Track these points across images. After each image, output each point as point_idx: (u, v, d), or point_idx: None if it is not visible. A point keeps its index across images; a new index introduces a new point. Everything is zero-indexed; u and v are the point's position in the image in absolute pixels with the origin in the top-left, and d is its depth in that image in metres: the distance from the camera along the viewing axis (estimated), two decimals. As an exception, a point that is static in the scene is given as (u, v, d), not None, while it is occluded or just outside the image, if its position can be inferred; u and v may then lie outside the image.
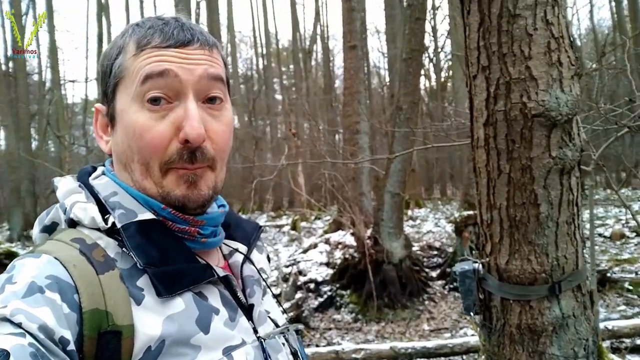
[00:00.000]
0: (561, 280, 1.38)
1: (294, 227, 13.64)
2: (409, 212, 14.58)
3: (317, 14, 23.01)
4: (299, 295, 6.62)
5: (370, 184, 8.62)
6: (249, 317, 0.68)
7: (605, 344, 4.06)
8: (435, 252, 9.04)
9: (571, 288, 1.40)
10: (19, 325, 0.49)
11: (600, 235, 9.40)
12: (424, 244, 9.60)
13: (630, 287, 6.09)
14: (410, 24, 6.51)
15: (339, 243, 8.21)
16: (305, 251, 8.80)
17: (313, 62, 25.54)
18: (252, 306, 0.69)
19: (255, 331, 0.67)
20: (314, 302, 6.71)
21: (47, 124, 18.61)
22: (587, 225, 2.99)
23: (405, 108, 6.47)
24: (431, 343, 4.49)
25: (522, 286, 1.40)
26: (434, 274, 7.76)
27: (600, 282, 5.97)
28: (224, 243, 0.76)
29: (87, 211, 0.63)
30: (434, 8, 20.11)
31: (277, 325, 0.74)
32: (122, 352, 0.54)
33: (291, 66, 27.97)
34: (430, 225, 12.48)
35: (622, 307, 5.57)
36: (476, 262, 1.54)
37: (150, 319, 0.57)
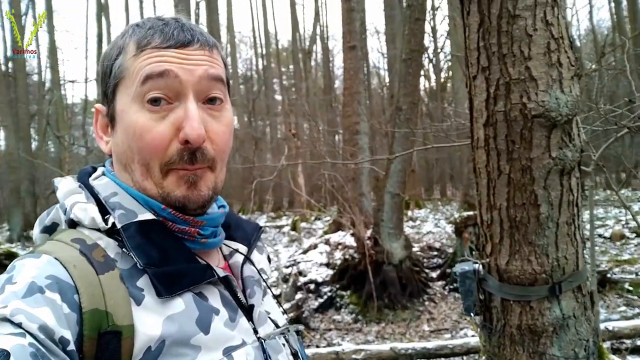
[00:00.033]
0: (561, 280, 1.38)
1: (294, 227, 13.64)
2: (409, 213, 14.58)
3: (317, 14, 23.03)
4: (299, 295, 6.61)
5: (370, 184, 8.62)
6: (249, 318, 0.68)
7: (606, 344, 4.05)
8: (435, 253, 9.04)
9: (571, 289, 1.40)
10: (19, 326, 0.49)
11: (600, 236, 9.40)
12: (424, 244, 9.60)
13: (631, 288, 6.09)
14: (410, 24, 6.51)
15: (339, 244, 8.20)
16: (305, 252, 8.80)
17: (313, 63, 25.56)
18: (252, 307, 0.69)
19: (256, 332, 0.67)
20: (314, 303, 6.71)
21: (46, 124, 18.62)
22: (587, 226, 2.99)
23: (405, 108, 6.47)
24: (431, 344, 4.49)
25: (522, 287, 1.40)
26: (434, 274, 7.75)
27: (601, 283, 5.97)
28: (224, 244, 0.76)
29: (87, 211, 0.63)
30: (434, 9, 20.14)
31: (277, 326, 0.74)
32: (122, 353, 0.54)
33: (291, 66, 27.99)
34: (430, 226, 12.49)
35: (623, 308, 5.57)
36: (476, 262, 1.54)
37: (150, 319, 0.57)
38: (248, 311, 0.69)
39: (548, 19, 1.30)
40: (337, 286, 6.94)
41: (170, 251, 0.63)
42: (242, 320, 0.66)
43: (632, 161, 11.06)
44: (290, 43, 24.67)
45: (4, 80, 15.92)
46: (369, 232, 6.88)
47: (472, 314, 1.52)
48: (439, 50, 21.94)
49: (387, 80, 20.30)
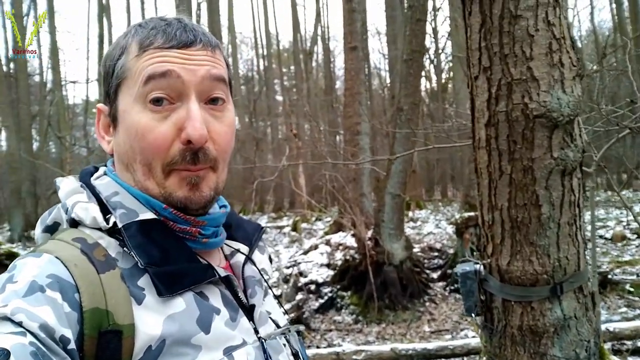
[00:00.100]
0: (563, 281, 1.37)
1: (294, 228, 13.64)
2: (410, 214, 14.58)
3: (318, 15, 23.04)
4: (299, 296, 6.61)
5: (371, 185, 8.62)
6: (250, 318, 0.68)
7: (607, 345, 4.05)
8: (436, 254, 9.03)
9: (573, 289, 1.40)
10: (19, 324, 0.48)
11: (601, 237, 9.39)
12: (424, 245, 9.59)
13: (632, 289, 6.08)
14: (411, 25, 6.51)
15: (340, 244, 8.20)
16: (306, 252, 8.79)
17: (314, 63, 25.56)
18: (253, 307, 0.69)
19: (256, 332, 0.67)
20: (315, 304, 6.70)
21: (48, 124, 18.63)
22: (589, 227, 2.99)
23: (406, 109, 6.47)
24: (432, 344, 4.49)
25: (523, 287, 1.40)
26: (434, 275, 7.75)
27: (602, 284, 5.96)
28: (225, 243, 0.76)
29: (89, 211, 0.63)
30: (435, 9, 20.16)
31: (278, 326, 0.73)
32: (122, 352, 0.54)
33: (292, 67, 28.00)
34: (431, 227, 12.48)
35: (623, 309, 5.56)
36: (477, 263, 1.54)
37: (151, 318, 0.57)
38: (249, 311, 0.69)
39: (550, 19, 1.30)
40: (338, 287, 6.93)
41: (171, 251, 0.63)
42: (243, 320, 0.66)
43: (633, 162, 11.05)
44: (292, 44, 24.70)
45: (6, 80, 15.94)
46: (369, 233, 6.88)
47: (473, 315, 1.52)
48: (440, 51, 21.95)
49: (388, 81, 20.30)
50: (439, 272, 7.81)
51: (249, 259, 0.76)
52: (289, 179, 13.59)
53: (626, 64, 2.89)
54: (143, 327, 0.56)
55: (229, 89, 0.70)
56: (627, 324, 4.42)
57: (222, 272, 0.67)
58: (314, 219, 15.52)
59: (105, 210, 0.64)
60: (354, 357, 4.31)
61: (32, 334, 0.48)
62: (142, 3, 23.12)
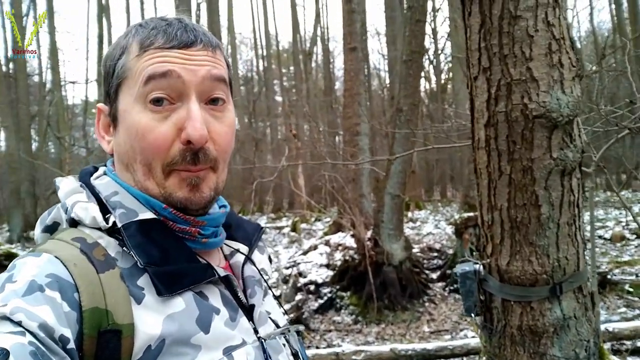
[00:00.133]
0: (562, 281, 1.37)
1: (294, 228, 13.63)
2: (409, 214, 14.58)
3: (318, 15, 23.05)
4: (299, 296, 6.61)
5: (371, 185, 8.62)
6: (250, 318, 0.68)
7: (606, 346, 4.05)
8: (436, 254, 9.03)
9: (572, 289, 1.40)
10: (18, 324, 0.48)
11: (600, 237, 9.40)
12: (424, 245, 9.59)
13: (631, 289, 6.08)
14: (411, 26, 6.51)
15: (339, 245, 8.20)
16: (305, 253, 8.79)
17: (313, 64, 25.56)
18: (252, 306, 0.69)
19: (256, 331, 0.67)
20: (314, 304, 6.70)
21: (47, 125, 18.61)
22: (588, 227, 2.99)
23: (406, 110, 6.47)
24: (431, 345, 4.49)
25: (523, 287, 1.40)
26: (434, 275, 7.75)
27: (601, 284, 5.96)
28: (225, 243, 0.76)
29: (88, 211, 0.63)
30: (434, 10, 20.17)
31: (277, 326, 0.73)
32: (122, 351, 0.54)
33: (291, 68, 28.01)
34: (431, 227, 12.48)
35: (623, 309, 5.57)
36: (477, 263, 1.54)
37: (151, 318, 0.57)
38: (249, 311, 0.69)
39: (549, 20, 1.30)
40: (337, 287, 6.93)
41: (170, 250, 0.63)
42: (243, 320, 0.66)
43: (632, 162, 11.06)
44: (291, 44, 24.71)
45: (5, 81, 15.93)
46: (369, 233, 6.88)
47: (472, 315, 1.52)
48: (439, 52, 21.96)
49: (387, 81, 20.31)
50: (438, 273, 7.81)
51: (248, 259, 0.76)
52: (288, 180, 13.59)
53: (625, 65, 2.90)
54: (142, 326, 0.56)
55: (230, 89, 0.70)
56: (627, 324, 4.43)
57: (222, 272, 0.67)
58: (313, 219, 15.51)
59: (104, 210, 0.64)
60: (354, 357, 4.31)
61: (31, 333, 0.48)
62: (142, 3, 23.13)
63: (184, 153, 0.63)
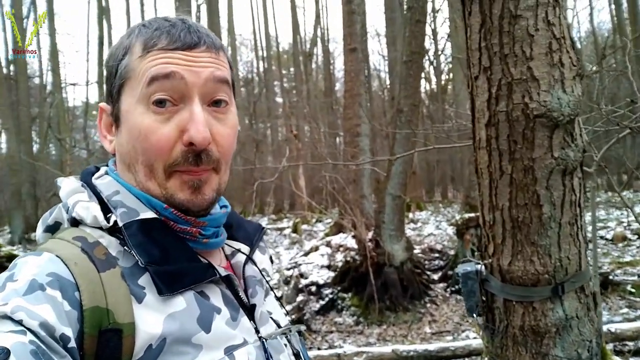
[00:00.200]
0: (564, 281, 1.37)
1: (295, 229, 13.63)
2: (410, 215, 14.57)
3: (318, 16, 23.07)
4: (300, 298, 6.61)
5: (371, 186, 8.61)
6: (251, 317, 0.68)
7: (608, 347, 4.04)
8: (437, 255, 9.02)
9: (574, 289, 1.40)
10: (19, 323, 0.48)
11: (602, 237, 9.38)
12: (425, 246, 9.58)
13: (633, 290, 6.07)
14: (411, 26, 6.51)
15: (340, 246, 8.19)
16: (306, 254, 8.78)
17: (313, 65, 25.57)
18: (254, 306, 0.69)
19: (257, 331, 0.67)
20: (316, 305, 6.69)
21: (48, 126, 18.65)
22: (589, 228, 2.99)
23: (406, 110, 6.47)
24: (433, 346, 4.48)
25: (524, 287, 1.40)
26: (435, 276, 7.74)
27: (603, 285, 5.95)
28: (226, 244, 0.76)
29: (89, 210, 0.63)
30: (434, 11, 20.17)
31: (279, 326, 0.73)
32: (122, 351, 0.54)
33: (292, 69, 28.02)
34: (432, 228, 12.47)
35: (625, 310, 5.55)
36: (479, 263, 1.54)
37: (152, 317, 0.57)
38: (250, 311, 0.69)
39: (550, 19, 1.30)
40: (339, 288, 6.92)
41: (171, 250, 0.63)
42: (244, 319, 0.66)
43: (634, 162, 11.05)
44: (291, 45, 24.72)
45: (6, 82, 15.96)
46: (370, 234, 6.88)
47: (474, 315, 1.51)
48: (439, 53, 21.96)
49: (387, 82, 20.31)
50: (439, 274, 7.80)
51: (249, 259, 0.76)
52: (289, 181, 13.59)
53: (626, 65, 2.89)
54: (143, 325, 0.56)
55: (232, 90, 0.70)
56: (629, 324, 4.41)
57: (223, 272, 0.66)
58: (314, 220, 15.51)
59: (106, 209, 0.64)
60: (355, 358, 4.31)
61: (32, 332, 0.48)
62: (142, 5, 23.17)
63: (186, 154, 0.63)
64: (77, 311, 0.53)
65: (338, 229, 9.75)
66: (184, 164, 0.63)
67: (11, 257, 5.66)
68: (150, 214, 0.64)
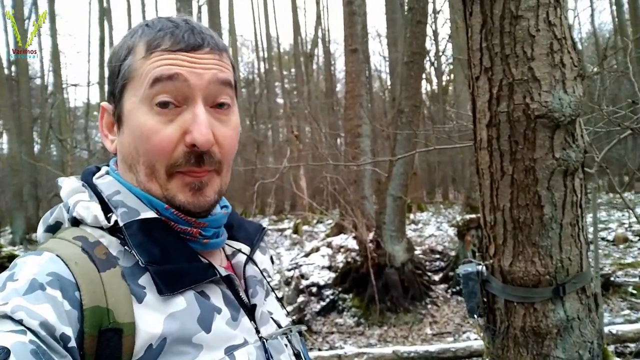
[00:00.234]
0: (565, 282, 1.37)
1: (296, 230, 13.63)
2: (411, 216, 14.55)
3: (319, 17, 23.09)
4: (301, 298, 6.60)
5: (372, 187, 8.61)
6: (252, 317, 0.68)
7: (610, 348, 4.04)
8: (438, 256, 9.01)
9: (575, 290, 1.39)
10: (19, 322, 0.48)
11: (603, 239, 9.36)
12: (426, 247, 9.58)
13: (634, 292, 6.06)
14: (412, 27, 6.52)
15: (341, 247, 8.19)
16: (307, 255, 8.78)
17: (314, 66, 25.58)
18: (254, 306, 0.69)
19: (258, 331, 0.67)
20: (316, 306, 6.69)
21: (49, 127, 18.68)
22: (591, 229, 2.98)
23: (407, 111, 6.47)
24: (434, 347, 4.48)
25: (526, 288, 1.40)
26: (436, 277, 7.74)
27: (604, 286, 5.94)
28: (226, 244, 0.76)
29: (90, 209, 0.63)
30: (435, 12, 20.17)
31: (279, 326, 0.73)
32: (123, 350, 0.54)
33: (292, 70, 28.02)
34: (433, 229, 12.46)
35: (626, 312, 5.54)
36: (480, 264, 1.53)
37: (152, 317, 0.57)
38: (250, 311, 0.69)
39: (551, 20, 1.30)
40: (339, 289, 6.92)
41: (172, 249, 0.63)
42: (244, 319, 0.66)
43: (635, 164, 11.03)
44: (292, 46, 24.74)
45: (7, 83, 15.98)
46: (371, 235, 6.87)
47: (475, 316, 1.51)
48: (440, 54, 21.96)
49: (388, 83, 20.32)
50: (440, 275, 7.79)
51: (250, 259, 0.76)
52: (290, 182, 13.60)
53: (627, 66, 2.89)
54: (144, 325, 0.56)
55: (235, 92, 0.70)
56: (630, 326, 4.41)
57: (223, 272, 0.66)
58: (315, 221, 15.50)
59: (106, 209, 0.64)
60: (356, 359, 4.30)
61: (32, 332, 0.48)
62: (143, 6, 23.21)
63: (188, 155, 0.63)
64: (77, 311, 0.53)
65: (339, 229, 9.75)
66: (185, 165, 0.63)
67: (12, 258, 5.66)
68: (151, 214, 0.64)
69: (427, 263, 8.54)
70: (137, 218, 0.63)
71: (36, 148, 20.02)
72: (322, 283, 7.20)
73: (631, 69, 2.89)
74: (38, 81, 22.32)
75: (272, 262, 0.87)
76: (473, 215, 7.11)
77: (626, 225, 10.30)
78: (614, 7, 18.66)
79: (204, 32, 0.67)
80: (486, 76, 1.38)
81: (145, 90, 0.63)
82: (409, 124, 6.28)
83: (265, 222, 18.03)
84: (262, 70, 27.37)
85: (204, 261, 0.66)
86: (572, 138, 1.33)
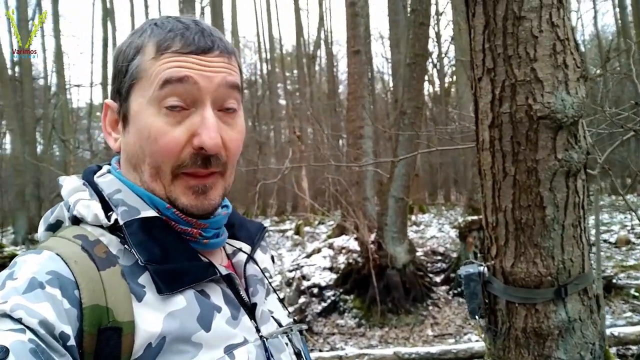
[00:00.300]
0: (567, 283, 1.36)
1: (297, 231, 13.62)
2: (413, 217, 14.53)
3: (321, 19, 23.12)
4: (302, 299, 6.60)
5: (374, 188, 8.60)
6: (252, 316, 0.68)
7: (612, 350, 4.02)
8: (439, 258, 9.00)
9: (577, 291, 1.39)
10: (19, 321, 0.48)
11: (605, 241, 9.34)
12: (427, 249, 9.57)
13: (636, 294, 6.04)
14: (414, 29, 6.51)
15: (343, 248, 8.19)
16: (308, 256, 8.78)
17: (317, 67, 25.61)
18: (255, 305, 0.69)
19: (258, 330, 0.67)
20: (318, 307, 6.69)
21: (52, 128, 18.72)
22: (593, 231, 2.97)
23: (409, 113, 6.46)
24: (435, 348, 4.47)
25: (527, 289, 1.39)
26: (437, 279, 7.72)
27: (606, 289, 5.92)
28: (227, 243, 0.76)
29: (90, 208, 0.63)
30: (438, 14, 20.14)
31: (280, 325, 0.73)
32: (122, 349, 0.54)
33: (295, 71, 28.05)
34: (434, 231, 12.44)
35: (628, 314, 5.53)
36: (481, 265, 1.53)
37: (151, 315, 0.57)
38: (251, 309, 0.68)
39: (554, 21, 1.30)
40: (341, 290, 6.91)
41: (171, 249, 0.62)
42: (245, 318, 0.66)
43: (638, 165, 11.00)
44: (295, 48, 24.78)
45: (11, 84, 16.03)
46: (372, 237, 6.87)
47: (476, 317, 1.51)
48: (443, 55, 21.94)
49: (391, 84, 20.32)
50: (442, 276, 7.78)
51: (251, 258, 0.75)
52: (292, 183, 13.60)
53: (630, 68, 2.88)
54: (143, 324, 0.56)
55: (241, 94, 0.70)
56: (632, 328, 4.39)
57: (224, 271, 0.66)
58: (316, 222, 15.50)
59: (107, 207, 0.64)
60: (357, 360, 4.29)
61: (31, 330, 0.48)
62: (146, 8, 23.24)
63: (195, 157, 0.63)
64: (76, 309, 0.53)
65: (340, 231, 9.74)
66: (192, 166, 0.63)
67: (14, 257, 5.68)
68: (151, 213, 0.64)
69: (429, 264, 8.53)
70: (137, 217, 0.63)
71: (39, 148, 20.06)
72: (323, 284, 7.19)
73: (634, 71, 2.88)
74: (41, 82, 22.38)
75: (273, 261, 0.87)
76: (475, 217, 7.10)
77: (629, 228, 10.27)
78: (617, 10, 18.64)
79: (214, 35, 0.67)
80: (489, 77, 1.38)
81: (155, 91, 0.62)
82: (411, 126, 6.27)
83: (266, 223, 18.03)
84: (265, 71, 27.39)
85: (204, 260, 0.66)
86: (575, 139, 1.32)
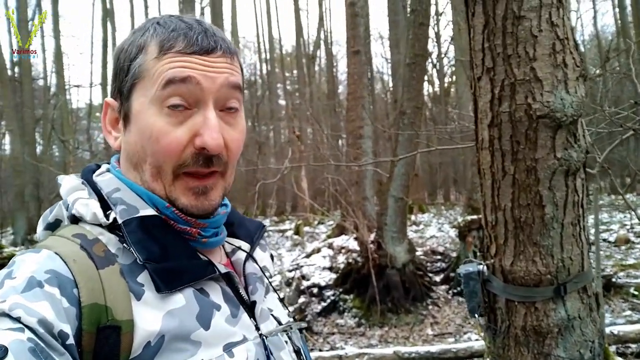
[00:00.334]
0: (567, 281, 1.37)
1: (297, 231, 13.62)
2: (413, 217, 14.54)
3: (321, 19, 23.11)
4: (302, 299, 6.60)
5: (374, 188, 8.60)
6: (251, 314, 0.68)
7: (611, 349, 4.02)
8: (439, 257, 9.01)
9: (577, 290, 1.39)
10: (17, 320, 0.48)
11: (605, 240, 9.34)
12: (427, 248, 9.57)
13: (636, 292, 6.05)
14: (414, 29, 6.52)
15: (342, 247, 8.18)
16: (308, 256, 8.78)
17: (317, 68, 25.61)
18: (254, 303, 0.69)
19: (258, 328, 0.67)
20: (317, 307, 6.69)
21: (51, 128, 18.71)
22: (592, 230, 2.97)
23: (409, 113, 6.47)
24: (435, 348, 4.47)
25: (527, 288, 1.39)
26: (437, 278, 7.73)
27: (606, 287, 5.93)
28: (226, 241, 0.76)
29: (89, 207, 0.63)
30: (438, 14, 20.14)
31: (280, 323, 0.73)
32: (121, 347, 0.54)
33: (295, 71, 28.05)
34: (434, 230, 12.45)
35: (628, 312, 5.53)
36: (481, 264, 1.53)
37: (150, 314, 0.57)
38: (250, 308, 0.68)
39: (553, 20, 1.30)
40: (341, 290, 6.91)
41: (170, 247, 0.62)
42: (244, 316, 0.66)
43: (637, 165, 11.01)
44: (294, 48, 24.78)
45: (10, 84, 16.01)
46: (372, 236, 6.87)
47: (476, 315, 1.51)
48: (442, 55, 21.94)
49: (390, 85, 20.32)
50: (441, 276, 7.78)
51: (250, 256, 0.75)
52: (292, 182, 13.59)
53: (630, 67, 2.88)
54: (142, 322, 0.56)
55: (242, 94, 0.70)
56: (632, 327, 4.39)
57: (223, 269, 0.66)
58: (316, 222, 15.50)
59: (106, 206, 0.64)
60: (357, 360, 4.29)
61: (30, 329, 0.48)
62: (146, 8, 23.23)
63: (196, 157, 0.63)
64: (75, 308, 0.53)
65: (340, 230, 9.74)
66: (193, 166, 0.63)
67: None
68: (150, 211, 0.64)
69: (428, 264, 8.53)
70: (136, 215, 0.62)
71: (38, 149, 20.04)
72: (323, 284, 7.19)
73: (634, 71, 2.88)
74: (41, 82, 22.36)
75: (272, 259, 0.87)
76: (474, 217, 7.11)
77: (628, 227, 10.28)
78: (617, 10, 18.65)
79: (217, 35, 0.67)
80: (488, 76, 1.38)
81: (157, 91, 0.62)
82: (410, 125, 6.27)
83: (266, 223, 18.01)
84: (265, 71, 27.38)
85: (203, 258, 0.66)
86: (574, 138, 1.33)
